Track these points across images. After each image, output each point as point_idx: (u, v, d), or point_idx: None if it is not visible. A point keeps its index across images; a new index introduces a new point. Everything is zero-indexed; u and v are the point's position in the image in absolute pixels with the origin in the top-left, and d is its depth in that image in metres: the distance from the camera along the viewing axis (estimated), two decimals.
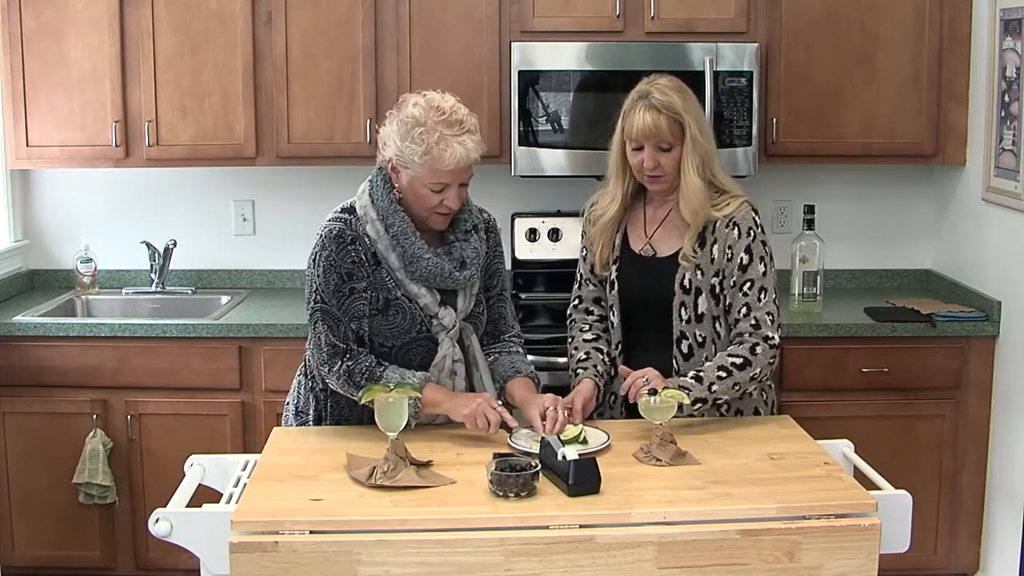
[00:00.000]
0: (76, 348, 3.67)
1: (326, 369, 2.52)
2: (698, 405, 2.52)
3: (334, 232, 2.51)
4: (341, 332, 2.50)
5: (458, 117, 2.47)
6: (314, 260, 2.52)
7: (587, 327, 2.80)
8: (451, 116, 2.46)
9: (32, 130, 3.88)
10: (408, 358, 2.56)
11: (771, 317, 2.62)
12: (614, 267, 2.74)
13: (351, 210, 2.56)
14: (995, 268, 3.70)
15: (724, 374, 2.55)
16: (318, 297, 2.51)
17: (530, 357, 3.43)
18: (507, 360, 2.68)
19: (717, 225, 2.66)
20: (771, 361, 2.61)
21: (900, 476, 2.45)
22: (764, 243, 2.66)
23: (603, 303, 2.80)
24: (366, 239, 2.52)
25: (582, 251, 2.84)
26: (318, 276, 2.51)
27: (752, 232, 2.64)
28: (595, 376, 2.68)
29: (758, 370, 2.58)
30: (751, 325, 2.61)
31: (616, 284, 2.74)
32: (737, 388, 2.57)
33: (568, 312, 2.88)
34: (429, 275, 2.51)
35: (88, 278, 4.12)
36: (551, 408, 2.46)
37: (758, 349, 2.58)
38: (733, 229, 2.65)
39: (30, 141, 3.89)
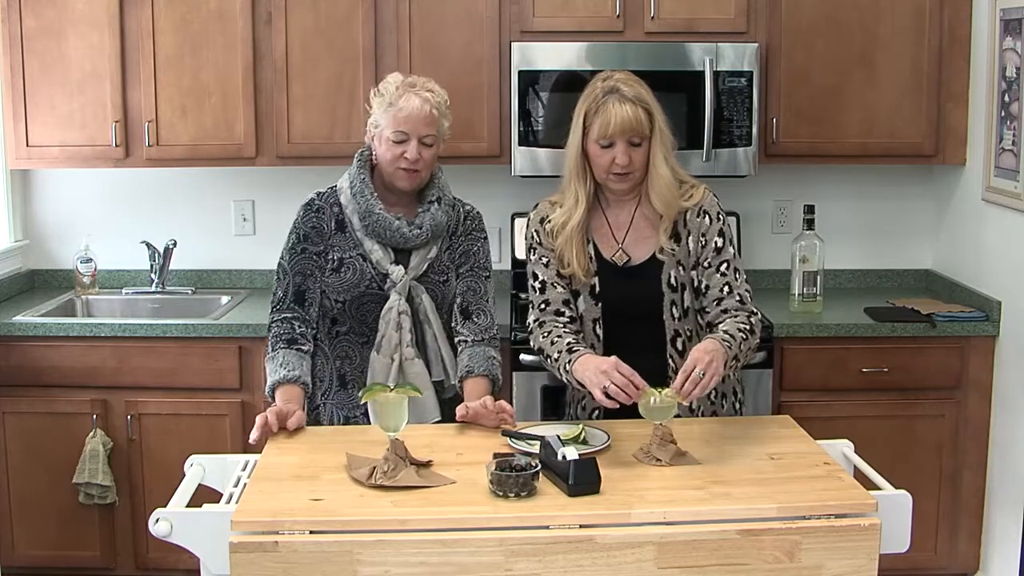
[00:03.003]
0: (76, 348, 3.67)
1: (269, 317, 2.79)
2: (733, 363, 2.51)
3: (306, 200, 2.82)
4: (284, 284, 2.77)
5: (424, 83, 2.75)
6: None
7: (560, 326, 2.68)
8: (418, 80, 2.75)
9: (32, 130, 3.88)
10: (362, 314, 2.75)
11: (750, 294, 2.68)
12: (596, 278, 2.71)
13: (334, 185, 2.83)
14: (995, 268, 3.71)
15: (744, 336, 2.55)
16: (282, 253, 2.80)
17: (528, 358, 3.49)
18: (466, 355, 2.76)
19: (688, 216, 2.68)
20: (761, 333, 2.66)
21: (900, 476, 2.44)
22: (730, 226, 2.72)
23: (571, 305, 2.73)
24: (335, 208, 2.77)
25: (541, 260, 2.73)
26: (287, 236, 2.81)
27: (721, 216, 2.70)
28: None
29: (757, 340, 2.63)
30: (737, 301, 2.64)
31: (599, 293, 2.71)
32: (750, 353, 2.60)
33: (534, 318, 2.73)
34: (380, 228, 2.71)
35: (88, 278, 4.12)
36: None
37: (753, 320, 2.62)
38: (704, 217, 2.68)
39: (30, 141, 3.89)
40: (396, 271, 2.73)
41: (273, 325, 2.76)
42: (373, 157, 2.77)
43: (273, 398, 2.67)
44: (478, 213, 2.89)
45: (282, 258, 2.79)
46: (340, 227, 2.77)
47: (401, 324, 2.73)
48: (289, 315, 2.74)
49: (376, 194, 2.74)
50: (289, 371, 2.66)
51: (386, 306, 2.73)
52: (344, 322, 2.78)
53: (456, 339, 2.81)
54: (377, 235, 2.72)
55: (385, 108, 2.70)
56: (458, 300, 2.82)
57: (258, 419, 2.52)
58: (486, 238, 2.88)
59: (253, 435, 2.50)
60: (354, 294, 2.74)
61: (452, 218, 2.82)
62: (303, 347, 2.73)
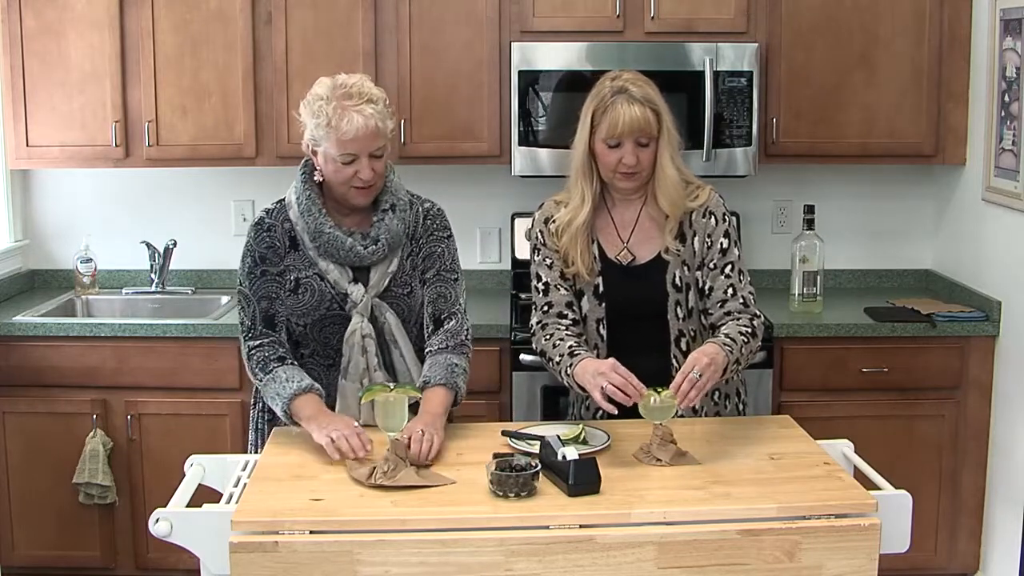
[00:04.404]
0: (76, 348, 3.67)
1: (241, 347, 2.64)
2: (734, 366, 2.52)
3: (256, 220, 2.65)
4: (250, 312, 2.61)
5: (360, 90, 2.52)
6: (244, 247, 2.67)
7: (562, 329, 2.67)
8: (352, 90, 2.52)
9: (32, 130, 3.88)
10: (325, 336, 2.61)
11: (753, 297, 2.67)
12: (599, 277, 2.70)
13: (282, 200, 2.67)
14: (995, 268, 3.70)
15: (746, 339, 2.55)
16: (239, 280, 2.63)
17: (528, 358, 3.49)
18: (427, 364, 2.60)
19: (694, 217, 2.68)
20: (767, 337, 2.63)
21: (900, 476, 2.45)
22: (735, 227, 2.72)
23: (574, 308, 2.72)
24: (286, 224, 2.61)
25: (545, 261, 2.72)
26: (241, 260, 2.64)
27: (726, 217, 2.69)
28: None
29: (759, 343, 2.62)
30: (740, 303, 2.64)
31: (603, 293, 2.71)
32: (751, 356, 2.60)
33: (536, 320, 2.72)
34: (332, 248, 2.56)
35: (88, 278, 4.12)
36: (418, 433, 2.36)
37: (755, 323, 2.62)
38: (710, 218, 2.68)
39: (30, 141, 3.89)
40: (356, 291, 2.57)
41: (254, 351, 2.57)
42: (316, 170, 2.60)
43: (289, 418, 2.49)
44: (439, 210, 2.72)
45: (241, 284, 2.61)
46: (293, 245, 2.60)
47: (366, 348, 2.58)
48: (266, 340, 2.58)
49: (324, 210, 2.57)
50: (300, 382, 2.49)
51: (348, 329, 2.58)
52: (307, 345, 2.64)
53: (425, 350, 2.65)
54: (330, 255, 2.57)
55: (325, 129, 2.49)
56: (429, 309, 2.66)
57: (355, 444, 2.33)
58: (450, 236, 2.71)
59: (335, 455, 2.34)
60: (315, 317, 2.59)
61: (410, 222, 2.65)
62: (294, 363, 2.57)
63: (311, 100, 2.54)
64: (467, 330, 2.68)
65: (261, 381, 2.56)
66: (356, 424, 2.41)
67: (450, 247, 2.71)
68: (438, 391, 2.52)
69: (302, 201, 2.58)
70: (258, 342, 2.58)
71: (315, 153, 2.57)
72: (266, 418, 2.69)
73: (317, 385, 2.53)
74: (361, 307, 2.58)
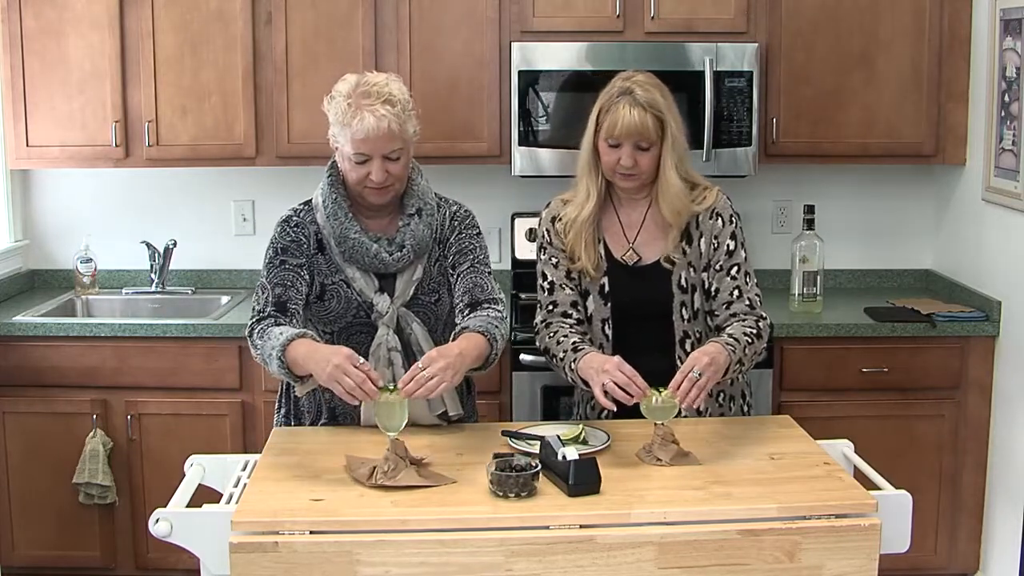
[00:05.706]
0: (76, 348, 3.67)
1: (246, 335, 2.55)
2: (737, 367, 2.52)
3: (283, 217, 2.62)
4: (263, 298, 2.55)
5: (380, 91, 2.50)
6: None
7: (567, 327, 2.67)
8: (372, 89, 2.50)
9: (32, 130, 3.88)
10: (352, 345, 2.47)
11: (759, 299, 2.68)
12: (605, 277, 2.70)
13: (308, 201, 2.65)
14: (995, 268, 3.70)
15: (750, 340, 2.55)
16: (262, 272, 2.59)
17: (529, 358, 3.49)
18: (466, 323, 2.52)
19: (700, 219, 2.68)
20: (769, 338, 2.65)
21: (900, 476, 2.44)
22: (742, 229, 2.72)
23: (579, 307, 2.72)
24: (313, 226, 2.59)
25: (551, 260, 2.72)
26: (264, 256, 2.60)
27: (734, 219, 2.69)
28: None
29: (764, 344, 2.62)
30: (746, 306, 2.64)
31: (608, 292, 2.71)
32: (756, 356, 2.59)
33: (541, 318, 2.72)
34: (356, 254, 2.54)
35: (88, 278, 4.12)
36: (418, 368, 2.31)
37: (761, 324, 2.62)
38: (717, 220, 2.68)
39: (30, 141, 3.89)
40: (382, 302, 2.55)
41: (254, 331, 2.50)
42: (341, 171, 2.58)
43: (282, 362, 2.38)
44: (467, 211, 2.70)
45: (261, 276, 2.57)
46: (320, 247, 2.58)
47: (392, 361, 2.55)
48: (272, 320, 2.50)
49: (350, 214, 2.55)
50: (291, 331, 2.40)
51: (374, 342, 2.55)
52: (280, 325, 2.51)
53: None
54: (355, 261, 2.54)
55: (340, 126, 2.49)
56: (465, 299, 2.59)
57: (344, 385, 2.25)
58: (480, 234, 2.69)
59: (352, 401, 2.29)
60: (341, 325, 2.58)
61: (436, 226, 2.62)
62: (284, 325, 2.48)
63: (333, 95, 2.54)
64: (504, 318, 2.58)
65: (258, 349, 2.48)
66: (356, 356, 2.31)
67: (482, 244, 2.68)
68: (472, 336, 2.43)
69: (328, 204, 2.56)
70: (262, 324, 2.49)
71: (337, 149, 2.56)
72: (292, 424, 2.68)
73: (310, 332, 2.45)
74: (387, 318, 2.56)
